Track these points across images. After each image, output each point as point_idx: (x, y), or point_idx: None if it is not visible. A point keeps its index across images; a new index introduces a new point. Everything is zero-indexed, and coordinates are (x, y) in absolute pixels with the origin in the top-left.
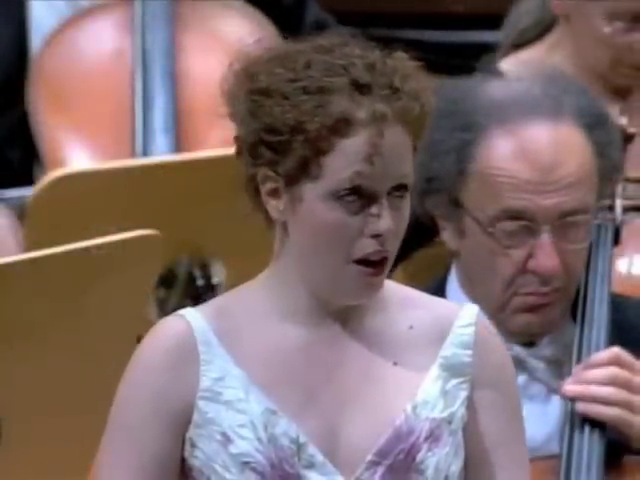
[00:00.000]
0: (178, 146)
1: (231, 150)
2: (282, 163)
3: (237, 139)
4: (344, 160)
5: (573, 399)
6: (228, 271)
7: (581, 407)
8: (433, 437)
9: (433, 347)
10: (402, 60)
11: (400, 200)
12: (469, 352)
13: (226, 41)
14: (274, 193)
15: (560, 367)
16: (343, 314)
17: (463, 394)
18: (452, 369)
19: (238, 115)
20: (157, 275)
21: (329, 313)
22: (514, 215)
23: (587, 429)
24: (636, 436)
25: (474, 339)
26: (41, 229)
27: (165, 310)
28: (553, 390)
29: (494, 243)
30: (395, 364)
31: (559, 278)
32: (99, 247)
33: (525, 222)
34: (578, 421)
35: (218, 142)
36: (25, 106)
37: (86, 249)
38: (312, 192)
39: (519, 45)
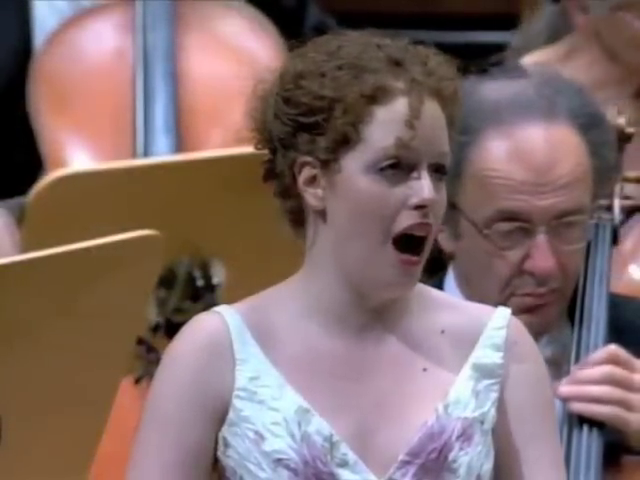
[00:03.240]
0: (179, 146)
1: (231, 150)
2: (321, 142)
3: (267, 162)
4: (385, 128)
5: (568, 399)
6: (228, 271)
7: (576, 407)
8: (465, 436)
9: (465, 349)
10: (431, 50)
11: (438, 182)
12: (500, 354)
13: (227, 41)
14: (312, 180)
15: (559, 368)
16: (377, 316)
17: (494, 395)
18: (483, 370)
19: (270, 116)
20: (157, 275)
21: (364, 314)
22: (510, 216)
23: (585, 429)
24: (633, 434)
25: (505, 341)
26: (41, 229)
27: (165, 310)
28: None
29: (490, 245)
30: (425, 370)
31: (556, 278)
32: (99, 247)
33: (521, 223)
34: (576, 421)
35: (219, 142)
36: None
37: (86, 249)
38: (353, 165)
39: (529, 48)
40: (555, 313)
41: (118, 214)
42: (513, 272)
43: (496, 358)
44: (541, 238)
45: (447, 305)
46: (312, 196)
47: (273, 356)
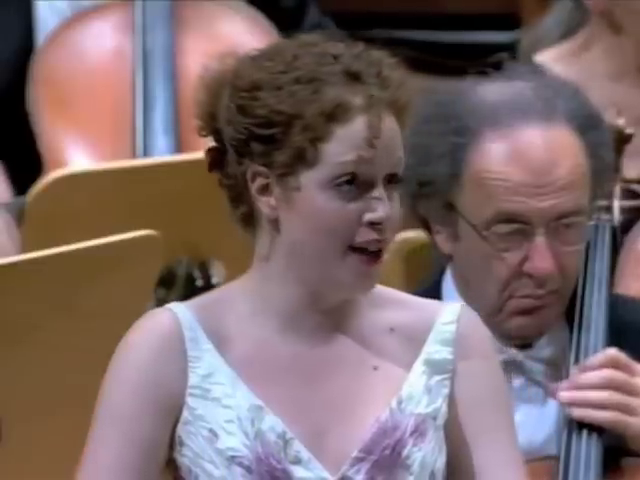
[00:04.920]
0: (178, 146)
1: None
2: (276, 155)
3: (211, 151)
4: (344, 146)
5: (568, 405)
6: (228, 271)
7: (576, 413)
8: (419, 432)
9: (416, 345)
10: (384, 53)
11: (392, 191)
12: (450, 349)
13: (226, 42)
14: (265, 189)
15: (557, 369)
16: (329, 316)
17: (445, 391)
18: (434, 366)
19: (222, 117)
20: (157, 275)
21: (316, 315)
22: (508, 218)
23: (585, 433)
24: (634, 438)
25: (455, 336)
26: (40, 229)
27: None
28: (551, 392)
29: (489, 246)
30: (375, 368)
31: (554, 280)
32: (99, 247)
33: (519, 225)
34: (575, 425)
35: None
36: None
37: (86, 249)
38: (309, 181)
39: (540, 46)
40: (554, 315)
41: (117, 214)
42: (512, 274)
43: (446, 353)
44: (540, 240)
45: (397, 302)
46: (265, 205)
47: (226, 354)
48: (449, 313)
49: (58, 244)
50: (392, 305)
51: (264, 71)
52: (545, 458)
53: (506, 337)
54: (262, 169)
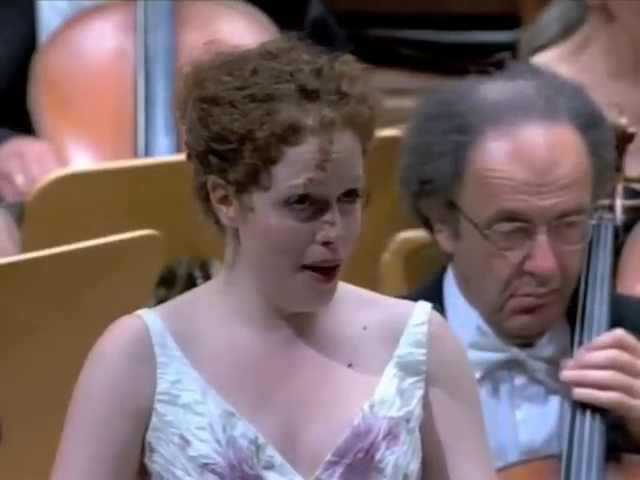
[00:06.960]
0: (179, 146)
1: None
2: (232, 171)
3: (187, 144)
4: (295, 168)
5: (571, 384)
6: None
7: (578, 392)
8: (391, 435)
9: (388, 346)
10: (349, 63)
11: (351, 205)
12: (423, 351)
13: (227, 41)
14: (224, 200)
15: (559, 367)
16: (298, 317)
17: (419, 393)
18: (407, 368)
19: (187, 122)
20: (157, 275)
21: (284, 316)
22: (510, 216)
23: (588, 414)
24: (636, 421)
25: (427, 338)
26: (41, 229)
27: None
28: (552, 390)
29: (490, 245)
30: (350, 366)
31: (556, 279)
32: (99, 247)
33: (521, 223)
34: (579, 406)
35: None
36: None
37: (86, 249)
38: (262, 201)
39: (541, 47)
40: (555, 313)
41: (118, 214)
42: (513, 272)
43: (419, 355)
44: (542, 238)
45: (366, 302)
46: (224, 215)
47: (196, 359)
48: (420, 314)
49: (58, 244)
50: (363, 304)
51: (222, 86)
52: (546, 457)
53: (507, 336)
54: (221, 181)
